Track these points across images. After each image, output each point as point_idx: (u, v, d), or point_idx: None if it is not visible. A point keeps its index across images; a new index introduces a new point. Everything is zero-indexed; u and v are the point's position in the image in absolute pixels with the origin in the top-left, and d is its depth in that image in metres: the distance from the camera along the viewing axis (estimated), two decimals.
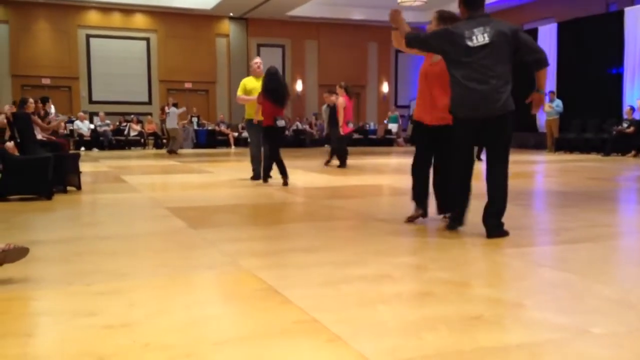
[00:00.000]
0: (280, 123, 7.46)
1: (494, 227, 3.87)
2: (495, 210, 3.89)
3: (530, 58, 3.90)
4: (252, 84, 8.14)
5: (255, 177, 8.10)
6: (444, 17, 4.33)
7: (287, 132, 8.13)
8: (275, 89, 7.38)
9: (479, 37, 3.85)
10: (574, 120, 16.17)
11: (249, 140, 8.79)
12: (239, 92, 8.29)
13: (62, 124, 11.87)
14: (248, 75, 8.53)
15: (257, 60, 8.47)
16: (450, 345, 2.03)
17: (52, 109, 13.57)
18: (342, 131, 10.56)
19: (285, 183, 7.42)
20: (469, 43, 3.86)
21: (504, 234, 3.90)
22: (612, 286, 2.81)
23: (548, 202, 6.47)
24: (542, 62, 3.90)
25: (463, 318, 2.31)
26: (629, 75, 15.69)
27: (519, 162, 11.69)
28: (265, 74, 7.55)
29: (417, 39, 4.18)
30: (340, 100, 10.56)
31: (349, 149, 11.24)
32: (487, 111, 3.84)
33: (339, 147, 10.87)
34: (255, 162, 8.14)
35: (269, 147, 7.65)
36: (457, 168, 4.08)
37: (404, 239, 4.06)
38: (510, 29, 3.89)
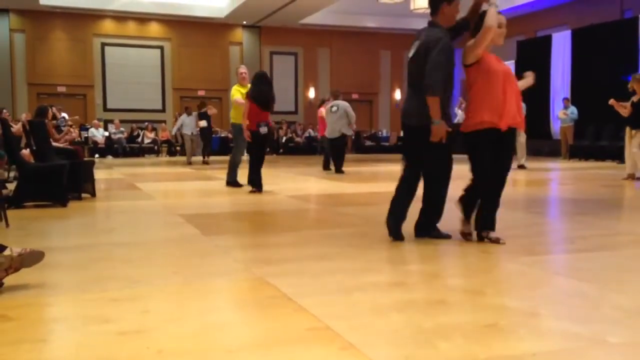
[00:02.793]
0: (263, 130, 7.21)
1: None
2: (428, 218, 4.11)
3: (424, 80, 3.82)
4: (239, 93, 8.12)
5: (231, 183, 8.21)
6: None
7: (272, 138, 7.97)
8: (260, 92, 7.20)
9: (412, 49, 3.98)
10: (588, 128, 16.03)
11: (233, 144, 8.69)
12: (237, 95, 8.16)
13: (74, 133, 11.98)
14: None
15: (242, 69, 8.36)
16: (465, 354, 2.02)
17: (64, 115, 13.67)
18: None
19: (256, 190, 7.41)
20: (408, 53, 4.04)
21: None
22: (628, 295, 2.78)
23: (562, 209, 6.41)
24: (427, 89, 3.78)
25: (477, 326, 2.29)
26: None
27: (533, 169, 11.62)
28: (254, 77, 7.40)
29: None
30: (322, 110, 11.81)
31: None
32: (407, 120, 4.00)
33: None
34: (236, 168, 8.22)
35: (253, 152, 7.54)
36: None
37: (418, 247, 4.04)
38: (429, 43, 3.80)
